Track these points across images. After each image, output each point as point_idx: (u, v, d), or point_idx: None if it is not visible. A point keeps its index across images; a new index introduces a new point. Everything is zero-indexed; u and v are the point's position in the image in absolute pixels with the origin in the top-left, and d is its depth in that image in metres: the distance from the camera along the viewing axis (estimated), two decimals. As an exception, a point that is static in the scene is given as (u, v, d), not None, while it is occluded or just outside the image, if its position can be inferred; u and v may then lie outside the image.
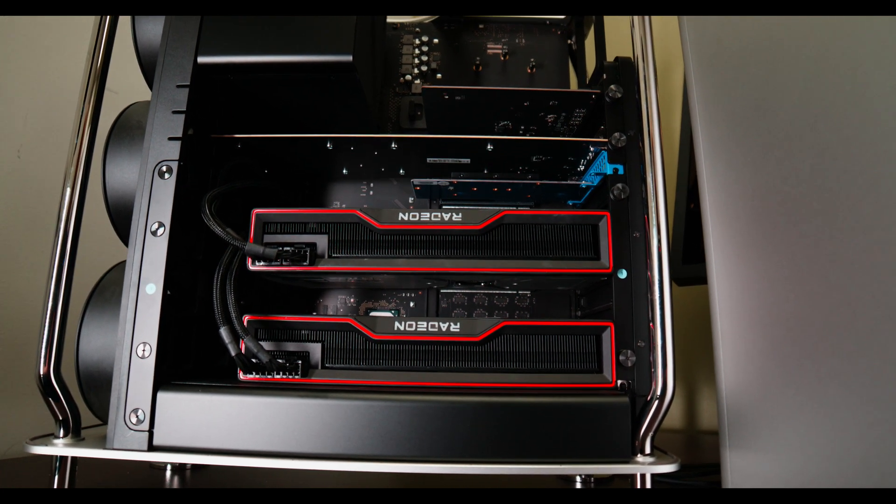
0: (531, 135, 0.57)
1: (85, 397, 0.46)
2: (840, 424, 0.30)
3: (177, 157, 0.44)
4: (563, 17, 0.66)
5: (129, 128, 0.50)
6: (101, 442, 0.42)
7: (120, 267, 0.49)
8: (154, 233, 0.43)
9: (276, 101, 0.52)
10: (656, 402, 0.41)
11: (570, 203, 0.60)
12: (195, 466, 0.58)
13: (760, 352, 0.37)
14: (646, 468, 0.41)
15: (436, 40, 0.66)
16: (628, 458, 0.41)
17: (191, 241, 0.47)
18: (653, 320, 0.43)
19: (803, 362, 0.33)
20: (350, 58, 0.46)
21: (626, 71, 0.50)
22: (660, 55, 0.49)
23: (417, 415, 0.41)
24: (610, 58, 0.53)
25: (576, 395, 0.43)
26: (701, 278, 0.77)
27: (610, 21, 0.63)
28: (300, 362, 0.45)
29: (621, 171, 0.49)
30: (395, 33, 0.66)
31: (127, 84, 0.61)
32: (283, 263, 0.46)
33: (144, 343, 0.42)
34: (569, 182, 0.53)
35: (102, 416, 0.47)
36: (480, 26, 0.66)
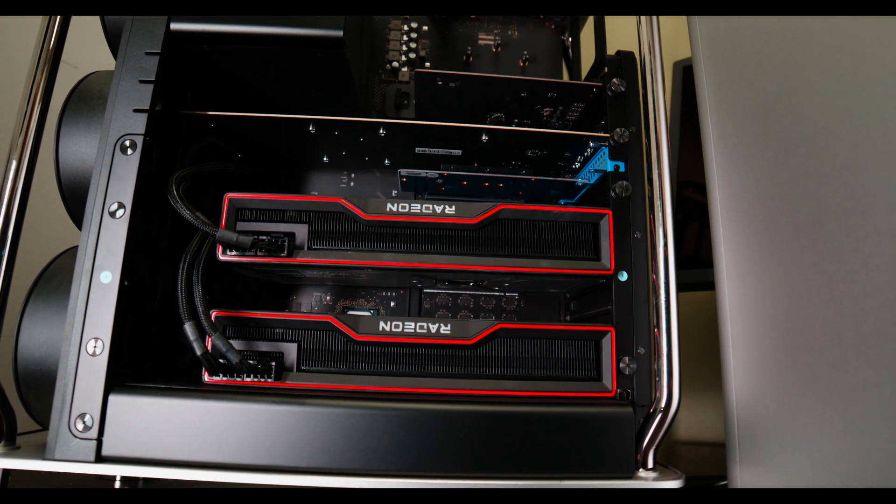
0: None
1: (23, 399, 0.41)
2: (874, 440, 0.28)
3: (142, 132, 0.40)
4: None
5: (88, 97, 0.45)
6: (41, 451, 0.37)
7: (71, 252, 0.44)
8: (112, 214, 0.38)
9: (256, 77, 0.48)
10: (660, 414, 0.39)
11: (563, 202, 0.57)
12: (149, 481, 0.52)
13: (777, 360, 0.34)
14: (650, 484, 0.38)
15: (425, 27, 0.63)
16: (631, 473, 0.38)
17: (154, 226, 0.42)
18: (658, 326, 0.40)
19: (831, 372, 0.30)
20: (340, 33, 0.42)
21: (628, 65, 0.48)
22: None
23: (403, 424, 0.37)
24: (608, 52, 0.51)
25: (575, 404, 0.40)
26: (689, 284, 0.75)
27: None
28: (273, 364, 0.41)
29: (622, 169, 0.46)
30: (382, 18, 0.62)
31: (88, 59, 0.55)
32: (259, 254, 0.42)
33: (96, 339, 0.37)
34: (565, 179, 0.51)
35: (43, 420, 0.41)
36: (472, 16, 0.63)
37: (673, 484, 0.38)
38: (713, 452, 0.75)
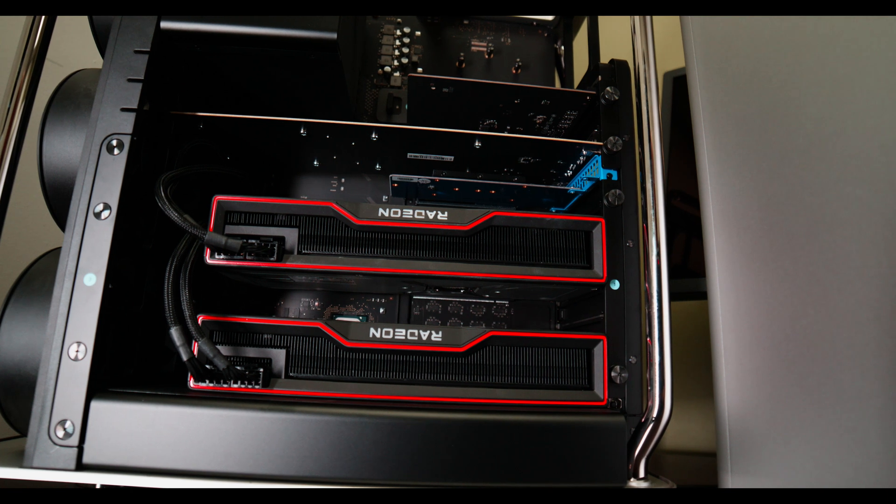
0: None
1: (1, 404, 0.40)
2: (868, 450, 0.28)
3: (129, 131, 0.39)
4: (550, 18, 0.64)
5: (74, 95, 0.44)
6: (18, 458, 0.35)
7: (54, 253, 0.43)
8: (97, 215, 0.37)
9: (247, 79, 0.47)
10: (652, 424, 0.39)
11: (554, 210, 0.57)
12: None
13: (771, 370, 0.34)
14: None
15: (417, 32, 0.62)
16: (623, 482, 0.38)
17: (140, 228, 0.41)
18: (651, 335, 0.40)
19: (825, 382, 0.30)
20: (334, 35, 0.42)
21: (621, 73, 0.48)
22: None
23: (394, 432, 0.37)
24: (601, 60, 0.51)
25: (567, 413, 0.39)
26: (676, 294, 0.76)
27: (600, 22, 0.62)
28: (261, 370, 0.40)
29: (615, 177, 0.46)
30: (374, 22, 0.62)
31: (74, 56, 0.54)
32: (247, 258, 0.41)
33: (79, 343, 0.36)
34: (557, 186, 0.51)
35: (22, 427, 0.40)
36: (465, 22, 0.63)
37: (664, 494, 0.38)
38: (700, 462, 0.76)
